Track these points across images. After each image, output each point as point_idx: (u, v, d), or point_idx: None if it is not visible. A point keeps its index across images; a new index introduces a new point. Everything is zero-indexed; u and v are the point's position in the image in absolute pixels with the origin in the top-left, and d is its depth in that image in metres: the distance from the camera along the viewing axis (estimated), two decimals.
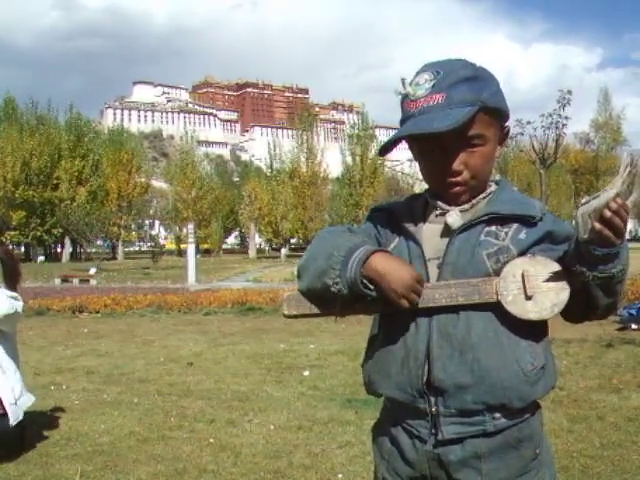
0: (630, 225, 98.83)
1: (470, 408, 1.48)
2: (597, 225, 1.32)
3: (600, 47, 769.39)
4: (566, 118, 17.85)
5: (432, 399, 1.50)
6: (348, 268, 1.46)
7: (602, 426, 4.93)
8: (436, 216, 1.60)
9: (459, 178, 1.53)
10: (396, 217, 1.64)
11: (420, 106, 1.50)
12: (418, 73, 1.54)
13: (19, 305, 4.59)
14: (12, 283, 4.74)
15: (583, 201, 1.36)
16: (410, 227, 1.60)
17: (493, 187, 1.62)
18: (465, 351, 1.47)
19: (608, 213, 1.31)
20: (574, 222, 1.38)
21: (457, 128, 1.45)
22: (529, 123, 18.33)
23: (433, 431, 1.52)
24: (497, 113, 1.55)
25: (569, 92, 17.46)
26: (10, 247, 43.02)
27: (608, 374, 6.73)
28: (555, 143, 18.78)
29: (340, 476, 4.11)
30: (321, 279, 1.51)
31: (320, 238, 1.63)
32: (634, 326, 9.82)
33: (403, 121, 1.56)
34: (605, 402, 5.60)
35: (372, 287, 1.47)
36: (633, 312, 10.11)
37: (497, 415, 1.49)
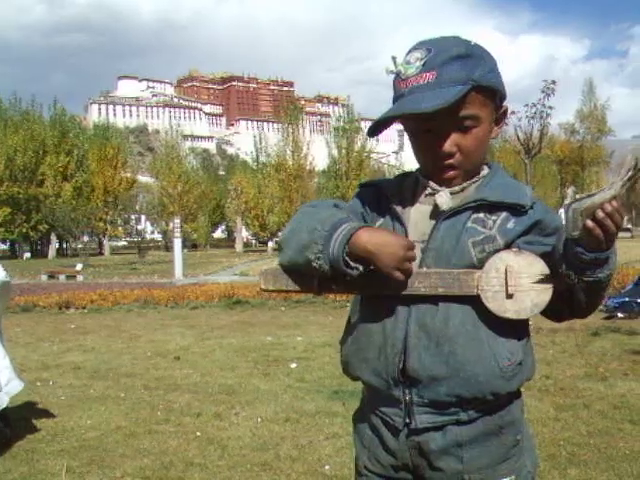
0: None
1: (443, 400, 1.46)
2: (589, 223, 1.25)
3: (587, 38, 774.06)
4: (550, 108, 17.91)
5: (406, 388, 1.48)
6: (331, 244, 1.40)
7: (588, 414, 4.95)
8: (426, 196, 1.54)
9: (452, 160, 1.47)
10: (384, 195, 1.58)
11: (410, 85, 1.44)
12: (410, 51, 1.47)
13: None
14: None
15: (577, 197, 1.27)
16: (397, 207, 1.54)
17: (485, 170, 1.56)
18: (441, 343, 1.44)
19: (601, 214, 1.24)
20: (563, 217, 1.30)
21: (446, 108, 1.39)
22: (513, 113, 18.37)
23: (407, 420, 1.49)
24: (491, 92, 1.48)
25: (553, 82, 17.54)
26: None
27: (594, 362, 6.76)
28: (540, 133, 18.85)
29: (327, 467, 4.10)
30: (303, 253, 1.45)
31: (304, 212, 1.56)
32: (620, 315, 9.88)
33: (395, 100, 1.50)
34: (591, 390, 5.63)
35: (354, 265, 1.42)
36: (619, 301, 10.17)
37: (470, 409, 1.47)
